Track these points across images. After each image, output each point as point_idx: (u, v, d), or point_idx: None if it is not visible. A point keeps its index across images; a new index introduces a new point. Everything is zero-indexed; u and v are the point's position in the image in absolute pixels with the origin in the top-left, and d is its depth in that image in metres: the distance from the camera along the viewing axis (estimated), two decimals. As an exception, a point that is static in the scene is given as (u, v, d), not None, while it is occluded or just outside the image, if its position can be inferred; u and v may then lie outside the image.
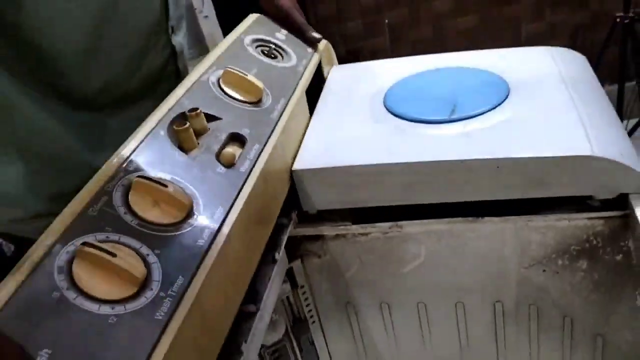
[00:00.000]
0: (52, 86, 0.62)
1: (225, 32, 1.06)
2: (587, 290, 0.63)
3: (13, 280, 0.39)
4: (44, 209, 0.63)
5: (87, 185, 0.48)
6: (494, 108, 0.66)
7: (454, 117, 0.66)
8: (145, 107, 0.70)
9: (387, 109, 0.71)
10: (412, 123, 0.67)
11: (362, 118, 0.71)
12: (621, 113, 2.07)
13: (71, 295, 0.39)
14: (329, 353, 0.79)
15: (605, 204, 0.60)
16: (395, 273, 0.70)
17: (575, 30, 2.01)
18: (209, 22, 1.63)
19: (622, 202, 0.59)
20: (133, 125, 0.57)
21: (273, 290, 0.61)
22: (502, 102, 0.67)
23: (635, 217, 0.57)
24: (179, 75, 0.78)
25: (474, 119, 0.65)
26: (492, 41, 1.96)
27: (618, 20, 1.86)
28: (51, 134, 0.63)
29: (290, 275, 0.71)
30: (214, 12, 1.68)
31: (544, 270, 0.65)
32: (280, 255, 0.63)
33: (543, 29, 2.02)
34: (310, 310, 0.75)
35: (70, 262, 0.41)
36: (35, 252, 0.41)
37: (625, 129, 2.14)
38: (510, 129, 0.63)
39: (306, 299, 0.74)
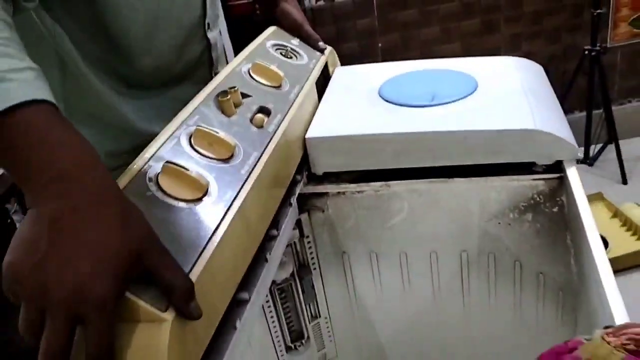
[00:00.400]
0: (115, 69, 0.79)
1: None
2: (532, 237, 0.81)
3: (120, 182, 0.56)
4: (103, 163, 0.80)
5: (164, 129, 0.65)
6: (464, 97, 0.85)
7: (433, 102, 0.85)
8: (185, 88, 0.88)
9: (381, 97, 0.89)
10: (401, 107, 0.86)
11: (360, 103, 0.89)
12: (589, 138, 2.28)
13: (159, 195, 0.56)
14: (325, 296, 0.95)
15: (546, 169, 0.78)
16: (383, 226, 0.87)
17: (549, 60, 2.23)
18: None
19: (558, 167, 0.77)
20: (176, 103, 0.74)
21: (288, 225, 0.78)
22: (471, 93, 0.86)
23: (567, 178, 0.75)
24: (212, 64, 0.95)
25: (449, 104, 0.84)
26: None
27: (586, 52, 2.08)
28: (114, 107, 0.80)
29: (298, 226, 0.87)
30: (225, 27, 1.88)
31: (499, 223, 0.83)
32: (294, 202, 0.80)
33: (519, 58, 2.23)
34: (312, 258, 0.92)
35: (157, 175, 0.58)
36: (133, 167, 0.58)
37: (593, 153, 2.33)
38: (475, 111, 0.81)
39: (310, 247, 0.90)
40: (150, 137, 0.65)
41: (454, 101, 0.84)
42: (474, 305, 0.92)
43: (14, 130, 0.44)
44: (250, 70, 0.83)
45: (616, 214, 1.94)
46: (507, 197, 0.81)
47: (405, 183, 0.83)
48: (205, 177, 0.60)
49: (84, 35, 0.74)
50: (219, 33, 0.97)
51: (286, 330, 0.93)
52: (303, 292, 0.93)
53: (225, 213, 0.58)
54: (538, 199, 0.80)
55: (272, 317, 0.90)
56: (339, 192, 0.86)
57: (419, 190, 0.83)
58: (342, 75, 1.01)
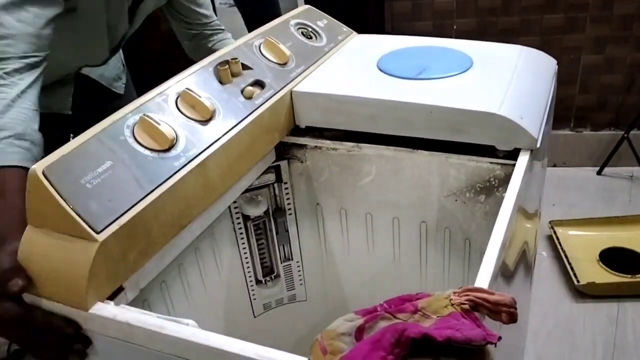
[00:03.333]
0: None
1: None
2: (481, 218, 0.84)
3: (100, 126, 0.67)
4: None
5: (157, 88, 0.76)
6: (449, 76, 0.88)
7: (419, 77, 0.89)
8: None
9: (377, 67, 0.94)
10: (389, 77, 0.90)
11: (355, 70, 0.94)
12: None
13: (131, 141, 0.67)
14: (299, 241, 1.03)
15: (507, 155, 0.80)
16: (353, 185, 0.93)
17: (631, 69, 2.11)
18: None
19: (516, 154, 0.79)
20: None
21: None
22: (459, 74, 0.89)
23: (515, 166, 0.77)
24: None
25: (432, 80, 0.87)
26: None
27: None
28: None
29: (277, 171, 0.96)
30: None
31: (456, 200, 0.86)
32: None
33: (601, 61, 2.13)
34: (289, 204, 1.00)
35: (134, 124, 0.68)
36: (117, 114, 0.69)
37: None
38: (451, 90, 0.84)
39: (287, 194, 0.98)
40: None
41: (438, 78, 0.88)
42: (430, 277, 0.96)
43: None
44: (261, 45, 0.92)
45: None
46: (465, 176, 0.84)
47: (374, 147, 0.88)
48: (174, 133, 0.70)
49: None
50: None
51: (259, 264, 1.03)
52: (277, 232, 1.01)
53: (183, 166, 0.68)
54: (493, 182, 0.82)
55: (244, 249, 0.99)
56: (316, 146, 0.92)
57: (386, 156, 0.88)
58: (355, 44, 1.06)
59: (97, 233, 0.58)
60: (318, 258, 1.05)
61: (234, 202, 0.93)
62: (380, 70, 0.92)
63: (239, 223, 0.97)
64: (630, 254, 1.82)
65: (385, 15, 2.17)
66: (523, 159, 0.77)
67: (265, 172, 0.93)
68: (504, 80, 0.86)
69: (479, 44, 1.00)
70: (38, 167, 0.60)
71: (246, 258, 1.00)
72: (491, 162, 0.81)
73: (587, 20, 2.05)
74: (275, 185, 0.97)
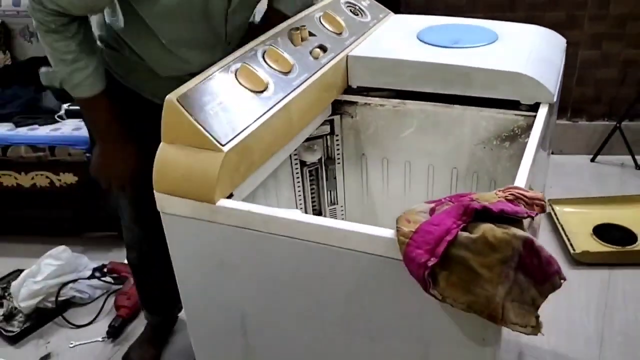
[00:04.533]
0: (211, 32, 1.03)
1: None
2: (505, 161, 1.02)
3: (211, 70, 0.84)
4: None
5: (249, 43, 0.93)
6: (480, 46, 1.06)
7: (454, 45, 1.07)
8: None
9: (417, 38, 1.12)
10: (430, 45, 1.08)
11: (399, 40, 1.12)
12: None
13: (236, 82, 0.84)
14: (344, 188, 1.21)
15: (529, 109, 0.98)
16: (395, 137, 1.11)
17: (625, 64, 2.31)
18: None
19: (537, 107, 0.97)
20: None
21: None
22: (488, 44, 1.06)
23: (536, 117, 0.94)
24: None
25: (465, 49, 1.05)
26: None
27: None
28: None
29: (331, 124, 1.13)
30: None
31: (484, 147, 1.04)
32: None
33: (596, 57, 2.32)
34: (338, 155, 1.17)
35: (237, 69, 0.86)
36: (223, 62, 0.86)
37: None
38: (483, 55, 1.02)
39: (337, 145, 1.16)
40: None
41: (470, 47, 1.06)
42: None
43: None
44: (321, 17, 1.09)
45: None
46: (494, 127, 1.02)
47: (416, 103, 1.06)
48: (266, 79, 0.87)
49: None
50: None
51: (310, 206, 1.20)
52: (327, 179, 1.18)
53: (273, 105, 0.85)
54: (517, 131, 1.00)
55: (299, 192, 1.16)
56: (365, 103, 1.10)
57: (426, 111, 1.06)
58: (396, 20, 1.24)
59: (222, 146, 0.75)
60: (360, 203, 1.22)
61: (295, 151, 1.10)
62: (420, 40, 1.10)
63: (296, 169, 1.14)
64: (621, 230, 2.00)
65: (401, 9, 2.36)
66: (543, 110, 0.94)
67: (322, 124, 1.10)
68: (525, 49, 1.04)
69: (501, 23, 1.18)
70: (173, 96, 0.77)
71: (300, 200, 1.17)
72: (515, 114, 0.99)
73: (585, 18, 2.24)
74: (329, 137, 1.14)
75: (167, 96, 0.77)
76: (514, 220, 0.64)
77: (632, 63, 2.30)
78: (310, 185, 1.17)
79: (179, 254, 0.85)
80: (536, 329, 0.62)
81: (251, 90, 0.85)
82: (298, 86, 0.92)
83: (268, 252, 0.75)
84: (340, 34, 1.09)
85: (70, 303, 1.69)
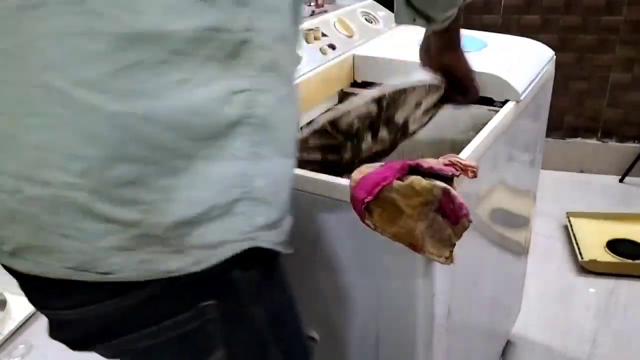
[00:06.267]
0: None
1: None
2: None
3: None
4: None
5: None
6: (470, 52, 1.23)
7: (446, 51, 1.24)
8: None
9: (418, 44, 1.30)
10: (425, 50, 1.26)
11: (401, 45, 1.31)
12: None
13: None
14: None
15: (501, 105, 1.14)
16: (391, 126, 1.29)
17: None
18: None
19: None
20: None
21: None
22: (475, 51, 1.24)
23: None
24: None
25: (455, 53, 1.23)
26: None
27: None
28: None
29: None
30: None
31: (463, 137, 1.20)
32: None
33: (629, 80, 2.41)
34: (344, 139, 1.36)
35: None
36: None
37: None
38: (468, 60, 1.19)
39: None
40: None
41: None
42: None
43: None
44: (336, 22, 1.30)
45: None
46: (471, 119, 1.18)
47: (409, 97, 1.24)
48: None
49: None
50: None
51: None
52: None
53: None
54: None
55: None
56: (367, 95, 1.29)
57: (416, 104, 1.24)
58: (406, 28, 1.43)
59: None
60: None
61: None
62: (420, 45, 1.29)
63: (306, 148, 1.34)
64: (636, 245, 2.07)
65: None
66: (509, 105, 1.11)
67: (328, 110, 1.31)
68: (506, 56, 1.21)
69: (495, 35, 1.35)
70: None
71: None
72: (489, 109, 1.15)
73: (617, 42, 2.34)
74: (336, 122, 1.34)
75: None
76: (445, 178, 0.82)
77: (663, 88, 2.38)
78: (318, 165, 1.37)
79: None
80: (449, 259, 0.80)
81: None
82: (306, 73, 1.12)
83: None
84: (350, 36, 1.29)
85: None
